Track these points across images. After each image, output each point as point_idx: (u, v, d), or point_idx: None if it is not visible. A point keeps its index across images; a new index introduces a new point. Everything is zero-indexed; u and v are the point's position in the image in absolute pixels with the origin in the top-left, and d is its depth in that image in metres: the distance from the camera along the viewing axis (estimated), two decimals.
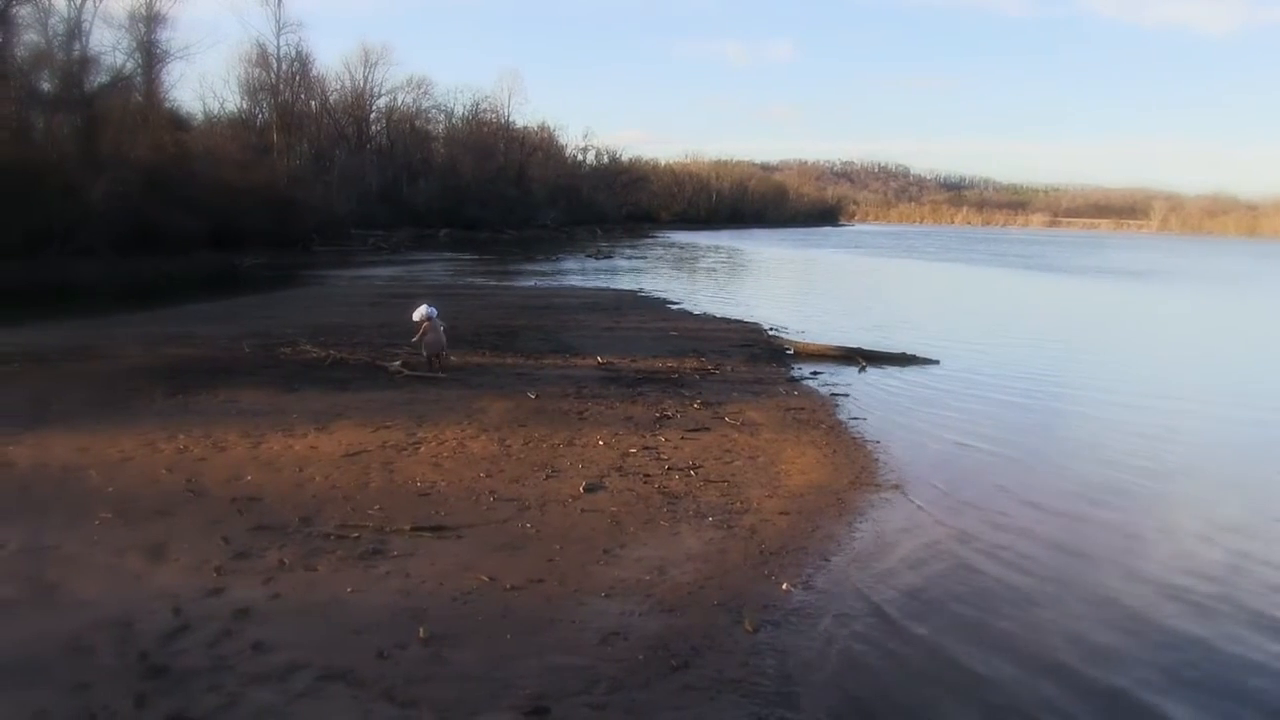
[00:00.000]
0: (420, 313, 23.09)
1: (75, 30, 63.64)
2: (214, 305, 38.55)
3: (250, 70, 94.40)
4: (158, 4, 70.76)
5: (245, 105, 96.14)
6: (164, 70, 74.27)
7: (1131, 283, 75.18)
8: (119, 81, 67.23)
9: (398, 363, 23.36)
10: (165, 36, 72.66)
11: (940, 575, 11.65)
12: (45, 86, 61.34)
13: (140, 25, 70.15)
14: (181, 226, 56.35)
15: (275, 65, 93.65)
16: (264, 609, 9.54)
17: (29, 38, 60.01)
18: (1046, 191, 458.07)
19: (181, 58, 76.51)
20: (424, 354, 23.24)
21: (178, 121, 76.67)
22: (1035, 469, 17.06)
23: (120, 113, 64.18)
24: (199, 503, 12.81)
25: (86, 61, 63.61)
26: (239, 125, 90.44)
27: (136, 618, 9.19)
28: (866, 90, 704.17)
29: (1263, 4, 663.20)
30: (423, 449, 16.02)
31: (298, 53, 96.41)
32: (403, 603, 9.85)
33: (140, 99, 69.94)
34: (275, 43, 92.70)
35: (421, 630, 9.17)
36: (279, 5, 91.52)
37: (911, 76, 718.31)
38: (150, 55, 71.05)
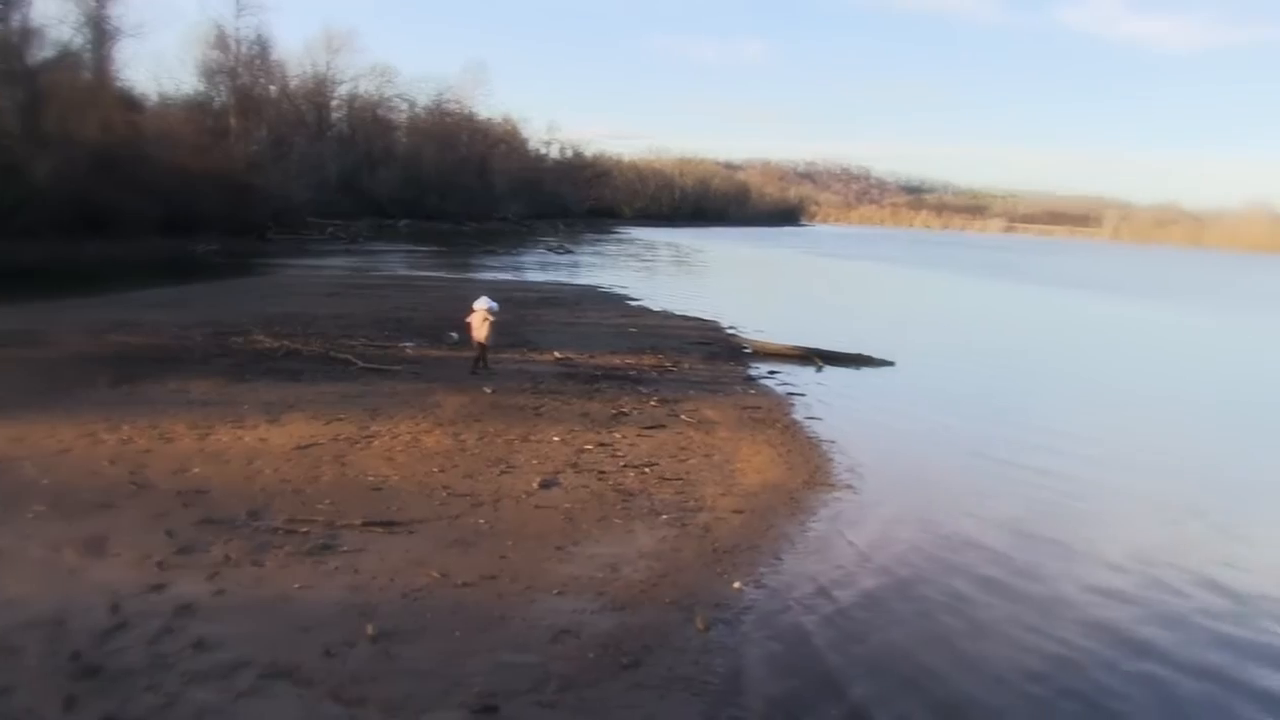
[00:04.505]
0: (479, 304, 22.73)
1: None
2: (165, 292, 37.83)
3: (208, 52, 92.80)
4: None
5: (202, 87, 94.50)
6: (115, 48, 72.64)
7: (1082, 294, 75.89)
8: (66, 57, 65.69)
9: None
10: (117, 13, 71.22)
11: (888, 575, 11.73)
12: None
13: None
14: (132, 210, 55.13)
15: (234, 47, 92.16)
16: (208, 605, 9.35)
17: None
18: (1004, 197, 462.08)
19: (134, 35, 74.77)
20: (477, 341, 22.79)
21: (130, 102, 74.69)
22: (984, 471, 17.31)
23: (67, 89, 62.58)
24: (143, 495, 12.54)
25: (28, 33, 61.95)
26: (195, 108, 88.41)
27: (70, 615, 8.94)
28: (832, 92, 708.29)
29: (1223, 26, 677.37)
30: (375, 443, 15.85)
31: (258, 35, 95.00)
32: (352, 599, 9.72)
33: (89, 76, 68.62)
34: (234, 24, 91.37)
35: (370, 627, 9.05)
36: None
37: (877, 80, 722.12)
38: (101, 31, 69.51)
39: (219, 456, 14.53)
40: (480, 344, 22.55)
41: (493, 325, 22.54)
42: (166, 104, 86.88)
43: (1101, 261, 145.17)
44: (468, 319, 22.62)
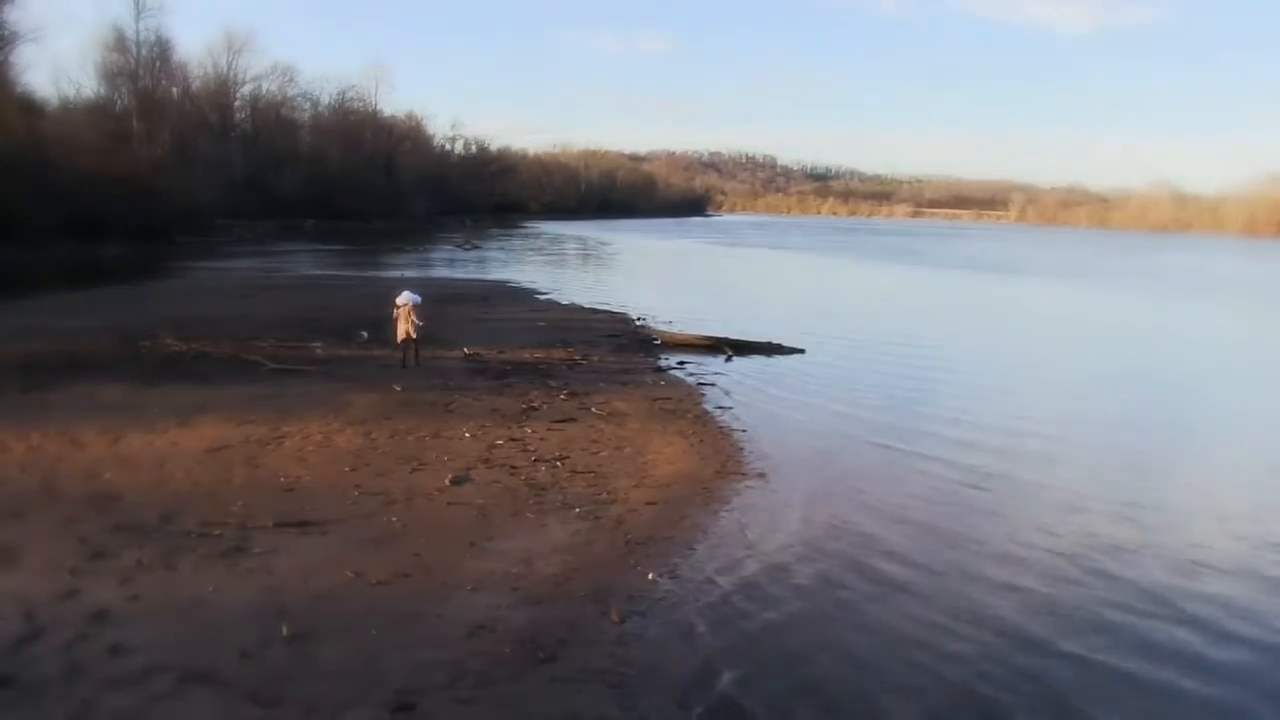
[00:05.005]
0: (402, 299, 23.20)
1: None
2: (72, 298, 37.21)
3: (108, 55, 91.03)
4: None
5: (103, 91, 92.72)
6: (13, 52, 71.27)
7: (987, 276, 77.28)
8: None
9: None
10: (13, 17, 69.77)
11: (800, 562, 11.93)
12: None
13: None
14: (36, 216, 53.96)
15: (134, 50, 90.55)
16: (122, 611, 9.34)
17: None
18: (910, 183, 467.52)
19: (32, 40, 73.21)
20: (397, 340, 23.33)
21: (30, 106, 73.12)
22: (892, 455, 17.55)
23: None
24: (53, 503, 12.44)
25: None
26: (96, 111, 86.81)
27: None
28: (736, 83, 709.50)
29: (1115, 8, 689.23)
30: (287, 443, 15.84)
31: (158, 37, 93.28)
32: (266, 600, 9.74)
33: None
34: (134, 27, 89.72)
35: (285, 628, 9.08)
36: None
37: (781, 69, 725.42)
38: None
39: (130, 461, 14.45)
40: (409, 337, 23.03)
41: (414, 317, 23.00)
42: (68, 108, 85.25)
43: (1007, 245, 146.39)
44: (395, 316, 23.17)
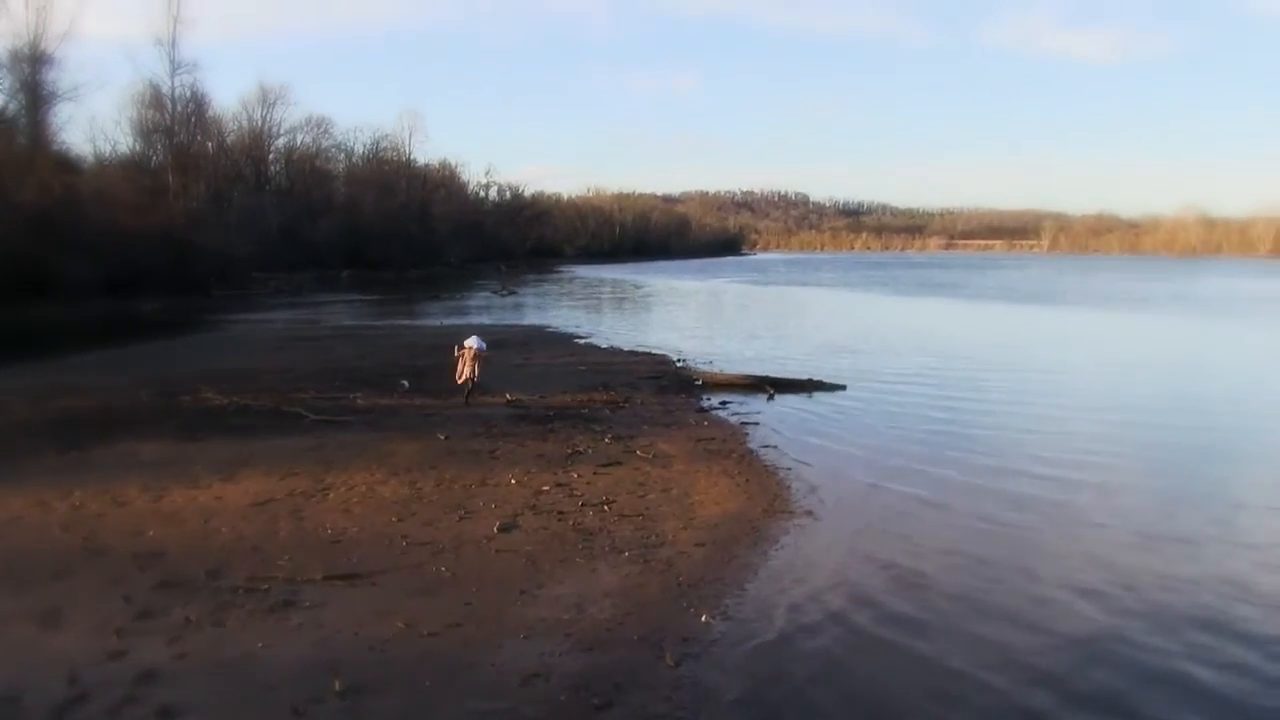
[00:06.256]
0: (469, 343, 24.83)
1: None
2: (110, 354, 37.31)
3: (144, 111, 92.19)
4: (43, 43, 68.93)
5: (138, 147, 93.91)
6: (51, 112, 72.37)
7: (1024, 307, 76.92)
8: (1, 123, 65.47)
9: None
10: (51, 77, 70.86)
11: (853, 602, 11.68)
12: None
13: (24, 65, 68.05)
14: (73, 272, 54.54)
15: (170, 106, 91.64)
16: (170, 670, 9.17)
17: None
18: (942, 215, 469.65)
19: (70, 99, 74.31)
20: (458, 380, 24.70)
21: (67, 164, 73.89)
22: (939, 490, 17.18)
23: (3, 155, 62.30)
24: (98, 562, 12.31)
25: None
26: (132, 167, 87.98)
27: (26, 691, 8.69)
28: (767, 120, 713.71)
29: (1138, 37, 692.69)
30: (332, 495, 15.70)
31: (193, 93, 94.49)
32: (317, 655, 9.58)
33: (25, 141, 68.07)
34: (169, 83, 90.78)
35: (337, 682, 8.91)
36: (173, 46, 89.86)
37: (811, 107, 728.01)
38: (35, 96, 69.09)
39: (174, 517, 14.32)
40: (470, 379, 24.36)
41: (477, 363, 24.66)
42: (104, 165, 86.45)
43: (1040, 273, 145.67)
44: (459, 353, 24.78)
